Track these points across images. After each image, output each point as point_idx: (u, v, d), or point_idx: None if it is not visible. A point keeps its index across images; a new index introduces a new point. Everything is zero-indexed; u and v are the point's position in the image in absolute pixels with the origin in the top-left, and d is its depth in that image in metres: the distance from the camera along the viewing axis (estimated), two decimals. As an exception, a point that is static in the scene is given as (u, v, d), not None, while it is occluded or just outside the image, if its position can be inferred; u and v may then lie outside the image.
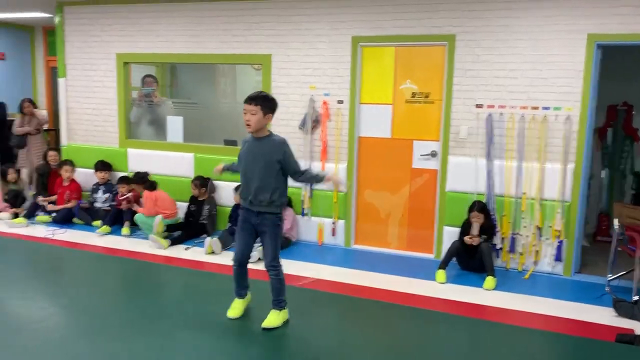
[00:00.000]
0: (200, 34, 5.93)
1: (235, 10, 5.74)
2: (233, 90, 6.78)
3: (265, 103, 3.39)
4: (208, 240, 5.28)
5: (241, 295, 3.74)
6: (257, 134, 3.47)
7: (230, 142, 6.07)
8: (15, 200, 6.56)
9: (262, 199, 3.43)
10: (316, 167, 5.59)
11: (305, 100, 5.57)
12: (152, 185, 5.92)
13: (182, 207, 6.01)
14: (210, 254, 5.24)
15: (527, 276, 4.85)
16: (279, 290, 3.58)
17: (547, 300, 4.31)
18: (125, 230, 5.87)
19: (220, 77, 6.79)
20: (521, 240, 4.97)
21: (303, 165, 3.63)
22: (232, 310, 3.69)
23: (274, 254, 3.51)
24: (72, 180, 6.48)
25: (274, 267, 3.52)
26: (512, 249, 4.99)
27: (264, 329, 3.50)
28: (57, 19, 6.60)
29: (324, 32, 5.43)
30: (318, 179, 3.57)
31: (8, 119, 7.87)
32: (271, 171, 3.41)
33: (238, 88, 6.70)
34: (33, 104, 7.36)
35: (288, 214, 5.53)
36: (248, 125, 3.39)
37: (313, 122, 5.55)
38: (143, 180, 5.96)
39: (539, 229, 4.90)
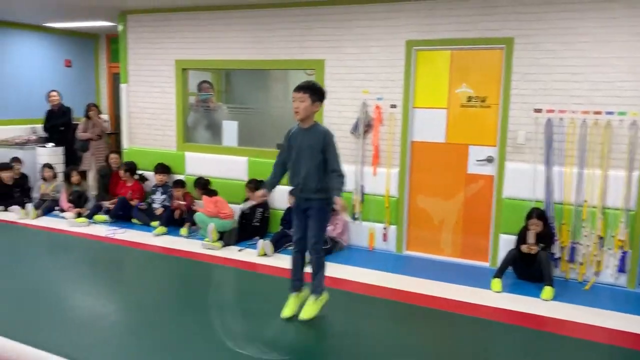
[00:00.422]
0: (256, 41, 6.05)
1: (290, 17, 5.82)
2: (285, 95, 6.86)
3: (314, 91, 3.51)
4: (260, 242, 5.35)
5: (295, 288, 3.77)
6: (303, 124, 3.58)
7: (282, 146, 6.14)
8: (78, 200, 6.87)
9: (311, 186, 3.53)
10: (367, 172, 5.58)
11: (357, 104, 5.58)
12: (212, 192, 6.12)
13: (236, 209, 6.11)
14: (262, 255, 5.31)
15: (587, 287, 4.67)
16: (318, 274, 3.65)
17: (609, 313, 4.13)
18: (183, 230, 6.04)
19: (273, 82, 6.90)
20: (581, 250, 4.79)
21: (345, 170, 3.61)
22: (286, 309, 3.72)
23: (317, 236, 3.58)
24: (136, 181, 6.73)
25: (316, 250, 3.61)
26: (571, 259, 4.81)
27: (302, 320, 3.59)
28: (120, 27, 6.88)
29: (377, 37, 5.42)
30: (336, 191, 3.46)
31: (73, 123, 8.25)
32: (317, 160, 3.51)
33: (290, 93, 6.76)
34: (98, 109, 7.71)
35: (339, 218, 5.54)
36: (297, 112, 3.51)
37: (365, 126, 5.55)
38: (204, 187, 6.20)
39: (601, 238, 4.70)
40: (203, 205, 5.95)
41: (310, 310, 3.63)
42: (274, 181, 3.78)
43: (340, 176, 3.50)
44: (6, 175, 7.14)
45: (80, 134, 7.64)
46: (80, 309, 3.92)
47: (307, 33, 5.77)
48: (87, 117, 7.59)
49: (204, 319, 3.76)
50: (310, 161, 3.52)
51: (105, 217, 6.51)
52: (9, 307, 3.87)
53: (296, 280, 3.78)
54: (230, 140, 6.53)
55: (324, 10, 5.64)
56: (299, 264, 3.76)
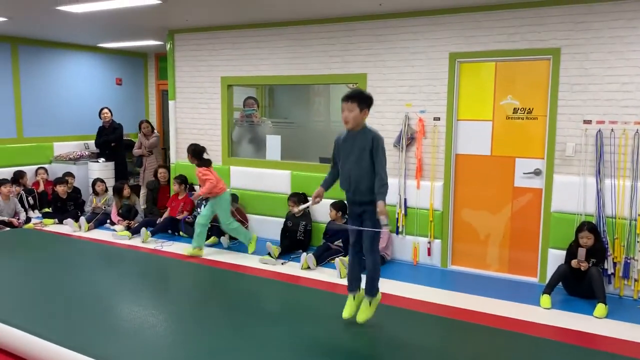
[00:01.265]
0: (299, 56, 6.14)
1: (332, 32, 5.89)
2: (327, 109, 6.93)
3: (362, 100, 3.48)
4: (304, 255, 5.38)
5: (352, 290, 3.76)
6: (353, 129, 3.55)
7: (325, 160, 6.19)
8: (128, 214, 7.09)
9: (363, 188, 3.50)
10: (411, 185, 5.55)
11: (400, 117, 5.57)
12: (206, 162, 5.87)
13: (280, 223, 6.18)
14: (305, 269, 5.33)
15: (643, 305, 4.48)
16: (374, 277, 3.65)
17: (667, 332, 3.94)
18: (224, 240, 6.23)
19: (315, 97, 6.97)
20: (636, 266, 4.60)
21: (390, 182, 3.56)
22: (346, 310, 3.74)
23: (373, 238, 3.57)
24: (186, 195, 6.91)
25: (373, 252, 3.60)
26: (625, 275, 4.63)
27: (359, 323, 3.64)
28: (168, 46, 7.12)
29: (420, 50, 5.42)
30: (379, 195, 3.43)
31: (125, 139, 8.57)
32: (367, 162, 3.48)
33: (332, 107, 6.83)
34: (150, 125, 8.00)
35: (384, 232, 5.50)
36: (346, 122, 3.50)
37: (408, 139, 5.53)
38: (195, 155, 5.85)
39: (658, 254, 4.51)
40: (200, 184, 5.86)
41: (365, 313, 3.66)
42: (330, 181, 3.75)
43: (384, 184, 3.46)
44: (61, 189, 7.45)
45: (134, 150, 7.96)
46: (129, 318, 4.03)
47: (348, 47, 5.81)
48: (141, 132, 7.93)
49: (247, 330, 3.80)
50: (361, 164, 3.49)
51: (127, 232, 6.59)
52: (60, 315, 4.02)
53: (354, 281, 3.77)
54: (273, 154, 6.63)
55: (365, 25, 5.68)
56: (356, 265, 3.76)
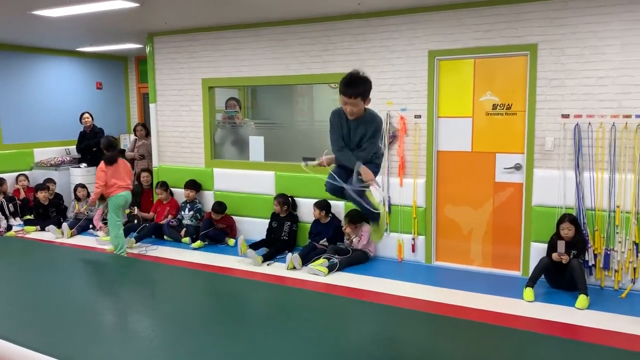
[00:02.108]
0: (280, 57, 6.14)
1: (312, 32, 5.89)
2: (310, 109, 6.94)
3: (365, 92, 3.13)
4: (289, 256, 5.39)
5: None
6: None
7: (309, 159, 6.18)
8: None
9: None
10: (394, 183, 5.58)
11: (382, 116, 5.56)
12: (110, 160, 5.66)
13: (265, 224, 6.18)
14: (291, 269, 5.34)
15: (624, 295, 4.55)
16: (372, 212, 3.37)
17: (648, 321, 4.02)
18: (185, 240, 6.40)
19: (298, 97, 6.97)
20: (616, 257, 4.68)
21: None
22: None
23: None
24: (172, 199, 6.87)
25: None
26: (606, 266, 4.70)
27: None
28: (147, 49, 7.07)
29: (400, 48, 5.45)
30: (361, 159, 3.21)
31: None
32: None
33: (315, 107, 6.84)
34: (145, 129, 7.89)
35: (365, 229, 5.54)
36: (351, 115, 3.14)
37: (390, 137, 5.56)
38: (106, 148, 5.70)
39: (636, 244, 4.59)
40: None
41: (376, 235, 3.50)
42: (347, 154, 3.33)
43: (370, 154, 3.21)
44: (42, 196, 7.37)
45: (127, 153, 7.92)
46: (115, 323, 4.00)
47: (328, 47, 5.83)
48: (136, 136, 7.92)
49: (234, 332, 3.80)
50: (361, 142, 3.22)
51: (109, 237, 6.50)
52: (42, 322, 3.98)
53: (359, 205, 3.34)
54: (257, 155, 6.62)
55: (344, 24, 5.69)
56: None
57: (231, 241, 6.38)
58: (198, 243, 6.27)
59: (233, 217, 6.56)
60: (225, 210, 6.50)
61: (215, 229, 6.40)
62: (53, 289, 4.80)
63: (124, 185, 5.75)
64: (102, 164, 5.67)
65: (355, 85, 3.04)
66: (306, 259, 5.45)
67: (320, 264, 5.25)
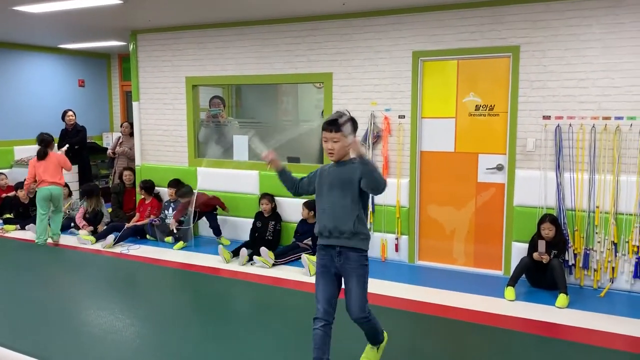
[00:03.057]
0: (265, 56, 6.13)
1: (297, 32, 5.89)
2: (295, 108, 6.93)
3: (346, 128, 2.82)
4: (263, 250, 5.41)
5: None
6: (339, 160, 2.97)
7: (294, 160, 6.20)
8: (95, 218, 6.94)
9: (345, 230, 2.87)
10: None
11: (366, 116, 5.61)
12: (40, 154, 6.26)
13: (248, 223, 6.16)
14: (271, 267, 5.34)
15: (602, 294, 4.62)
16: (375, 332, 3.12)
17: (626, 320, 4.09)
18: (168, 239, 6.39)
19: (283, 96, 6.96)
20: (595, 256, 4.75)
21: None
22: None
23: (362, 302, 2.89)
24: (153, 198, 6.81)
25: (365, 318, 2.94)
26: (585, 266, 4.78)
27: None
28: (131, 47, 7.01)
29: (384, 49, 5.47)
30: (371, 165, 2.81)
31: (88, 141, 8.40)
32: (352, 194, 2.88)
33: (300, 106, 6.84)
34: (132, 127, 7.78)
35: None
36: (331, 154, 2.91)
37: (374, 137, 5.58)
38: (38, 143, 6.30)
39: (615, 244, 4.67)
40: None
41: (372, 357, 3.22)
42: (290, 179, 3.15)
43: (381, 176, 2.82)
44: (22, 194, 7.27)
45: (108, 151, 7.85)
46: (95, 323, 3.96)
47: (313, 47, 5.83)
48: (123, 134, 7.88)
49: (216, 331, 3.79)
50: (344, 197, 2.87)
51: (91, 237, 6.46)
52: (24, 322, 3.93)
53: (322, 356, 2.91)
54: (241, 154, 6.59)
55: (329, 24, 5.70)
56: (324, 341, 2.90)
57: (225, 240, 6.33)
58: (180, 244, 6.20)
59: (215, 196, 6.44)
60: (189, 192, 6.24)
61: (201, 212, 6.29)
62: (33, 288, 4.75)
63: (50, 181, 6.17)
64: (33, 158, 6.27)
65: (337, 123, 2.84)
66: (283, 257, 5.46)
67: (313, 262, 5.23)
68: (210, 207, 6.33)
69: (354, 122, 2.85)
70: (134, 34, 6.92)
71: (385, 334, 3.24)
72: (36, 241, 6.24)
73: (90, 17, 5.95)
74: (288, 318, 3.94)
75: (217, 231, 6.33)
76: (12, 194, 7.60)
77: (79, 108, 8.60)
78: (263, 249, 5.41)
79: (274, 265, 5.39)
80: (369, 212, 2.91)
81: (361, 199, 2.91)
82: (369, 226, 5.67)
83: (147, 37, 6.87)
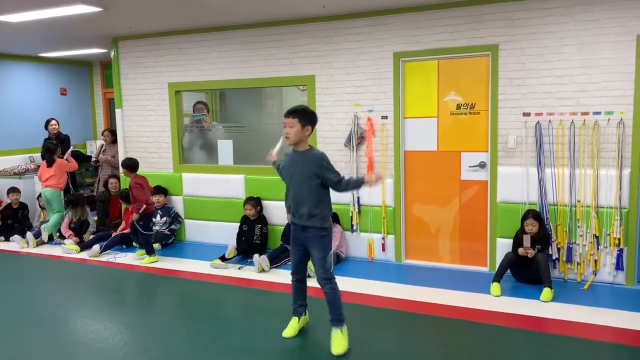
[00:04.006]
0: (247, 60, 6.14)
1: (279, 35, 5.91)
2: (280, 112, 6.94)
3: (303, 116, 3.49)
4: (256, 257, 5.37)
5: (297, 313, 3.78)
6: (297, 147, 3.55)
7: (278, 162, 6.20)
8: (80, 227, 6.89)
9: (303, 212, 3.50)
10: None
11: (349, 117, 5.65)
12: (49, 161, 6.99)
13: (234, 227, 6.16)
14: (261, 271, 5.34)
15: (586, 287, 4.69)
16: (336, 305, 3.54)
17: (609, 311, 4.16)
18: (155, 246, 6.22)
19: (267, 100, 6.98)
20: (578, 250, 4.83)
21: (343, 175, 3.59)
22: (288, 329, 3.74)
23: (322, 266, 3.50)
24: (133, 206, 6.75)
25: (326, 280, 3.50)
26: (568, 259, 4.85)
27: (338, 356, 3.44)
28: (112, 54, 6.98)
29: (365, 50, 5.51)
30: (358, 183, 3.53)
31: (72, 150, 8.32)
32: (309, 184, 3.47)
33: (285, 109, 6.84)
34: (113, 135, 7.72)
35: (336, 230, 5.59)
36: (287, 137, 3.49)
37: (358, 138, 5.61)
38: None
39: (597, 237, 4.74)
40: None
41: (340, 344, 3.50)
42: (279, 170, 3.84)
43: (341, 180, 3.48)
44: (14, 198, 7.34)
45: (92, 160, 7.80)
46: (82, 331, 3.94)
47: (295, 50, 5.85)
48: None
49: (206, 337, 3.79)
50: (304, 185, 3.48)
51: (76, 247, 6.42)
52: (10, 333, 3.90)
53: (299, 307, 3.78)
54: (225, 159, 6.59)
55: (310, 26, 5.73)
56: (299, 290, 3.74)
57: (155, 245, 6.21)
58: (151, 258, 5.89)
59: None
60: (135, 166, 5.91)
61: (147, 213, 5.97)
62: (18, 298, 4.71)
63: (45, 183, 6.97)
64: (43, 163, 7.16)
65: (293, 110, 3.51)
66: (275, 261, 5.47)
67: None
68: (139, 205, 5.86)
69: (310, 114, 3.53)
70: (115, 41, 6.89)
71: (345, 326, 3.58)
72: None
73: (71, 25, 5.92)
74: (278, 321, 3.95)
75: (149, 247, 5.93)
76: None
77: (61, 116, 8.54)
78: (263, 257, 5.38)
79: (264, 270, 5.38)
80: (329, 197, 3.62)
81: (318, 187, 3.48)
82: (355, 227, 5.70)
83: (128, 44, 6.84)
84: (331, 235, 3.60)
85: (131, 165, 5.87)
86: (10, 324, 4.13)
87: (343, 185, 3.50)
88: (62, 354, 3.57)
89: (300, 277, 3.72)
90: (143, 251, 5.97)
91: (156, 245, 6.35)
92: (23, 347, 3.68)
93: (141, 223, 5.81)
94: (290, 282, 3.78)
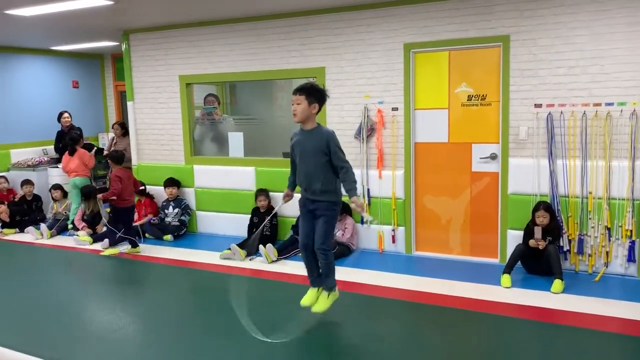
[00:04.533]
0: (257, 52, 6.15)
1: (290, 27, 5.91)
2: (289, 104, 6.94)
3: (310, 93, 3.47)
4: (262, 248, 5.44)
5: (315, 284, 3.78)
6: (304, 126, 3.56)
7: (289, 155, 6.21)
8: (93, 219, 6.96)
9: (315, 188, 3.53)
10: (373, 175, 5.64)
11: (360, 109, 5.65)
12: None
13: (245, 219, 6.21)
14: (271, 262, 5.38)
15: (597, 278, 4.68)
16: (328, 274, 3.67)
17: (621, 303, 4.15)
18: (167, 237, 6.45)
19: (278, 92, 6.99)
20: (589, 242, 4.81)
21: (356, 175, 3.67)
22: (306, 298, 3.77)
23: (324, 237, 3.55)
24: (147, 198, 6.84)
25: (323, 250, 3.57)
26: (580, 251, 4.83)
27: (315, 312, 3.65)
28: (123, 47, 7.02)
29: (376, 42, 5.50)
30: (351, 190, 3.51)
31: (85, 143, 8.41)
32: (320, 161, 3.50)
33: (294, 101, 6.85)
34: (121, 128, 7.84)
35: (348, 222, 5.61)
36: (294, 114, 3.50)
37: (368, 130, 5.62)
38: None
39: (608, 229, 4.72)
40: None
41: (322, 304, 3.68)
42: (293, 180, 3.83)
43: (348, 170, 3.48)
44: (27, 190, 7.52)
45: (105, 152, 7.88)
46: (97, 322, 4.01)
47: (306, 42, 5.85)
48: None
49: (216, 327, 3.83)
50: (314, 163, 3.51)
51: (89, 238, 6.49)
52: (26, 323, 3.97)
53: (316, 277, 3.79)
54: (236, 151, 6.62)
55: (321, 18, 5.72)
56: (312, 264, 3.75)
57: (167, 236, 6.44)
58: (111, 250, 5.96)
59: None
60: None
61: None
62: (34, 289, 4.79)
63: (74, 172, 7.20)
64: (65, 153, 7.34)
65: (300, 87, 3.50)
66: (284, 252, 5.51)
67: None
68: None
69: (318, 91, 3.51)
70: (126, 34, 6.93)
71: (337, 291, 3.74)
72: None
73: (82, 18, 5.96)
74: (288, 311, 3.99)
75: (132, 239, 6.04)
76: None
77: (73, 109, 8.61)
78: (269, 246, 5.44)
79: (274, 261, 5.42)
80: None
81: (328, 163, 3.51)
82: (366, 219, 5.70)
83: (139, 37, 6.88)
84: (339, 212, 3.69)
85: (116, 157, 6.06)
86: (26, 314, 4.21)
87: (344, 177, 3.50)
88: (76, 344, 3.64)
89: (308, 249, 3.72)
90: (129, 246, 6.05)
91: (168, 237, 6.43)
92: (38, 338, 3.75)
93: (112, 215, 6.07)
94: (302, 259, 3.80)
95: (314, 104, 3.49)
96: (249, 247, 5.66)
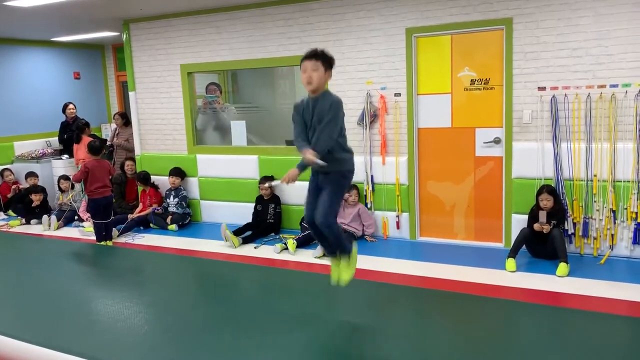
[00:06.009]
0: (258, 39, 6.11)
1: (290, 13, 5.87)
2: (292, 91, 6.93)
3: (325, 59, 3.21)
4: (227, 233, 5.57)
5: (332, 253, 3.44)
6: (314, 93, 3.22)
7: (292, 143, 6.21)
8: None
9: (327, 158, 3.13)
10: (376, 161, 5.63)
11: (362, 95, 5.62)
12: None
13: (249, 208, 6.22)
14: (281, 252, 5.39)
15: (602, 261, 4.68)
16: (339, 243, 3.34)
17: (626, 285, 4.15)
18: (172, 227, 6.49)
19: (279, 80, 6.96)
20: (594, 224, 4.80)
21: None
22: (332, 275, 3.49)
23: (326, 211, 3.19)
24: (152, 188, 6.86)
25: (327, 225, 3.21)
26: (585, 234, 4.82)
27: (345, 283, 3.38)
28: (124, 37, 6.99)
29: (377, 27, 5.45)
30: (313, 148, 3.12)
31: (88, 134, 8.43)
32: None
33: (298, 89, 6.83)
34: (122, 118, 7.86)
35: (363, 209, 5.62)
36: (309, 82, 3.15)
37: (371, 116, 5.59)
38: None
39: (613, 211, 4.71)
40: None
41: (346, 273, 3.40)
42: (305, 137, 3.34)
43: (330, 138, 3.09)
44: (33, 181, 7.47)
45: (107, 142, 7.89)
46: (103, 311, 4.03)
47: (306, 29, 5.81)
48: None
49: (225, 316, 3.85)
50: (319, 130, 3.15)
51: (92, 229, 6.46)
52: (34, 314, 4.00)
53: (328, 247, 3.45)
54: (239, 139, 6.62)
55: (321, 4, 5.68)
56: (318, 235, 3.40)
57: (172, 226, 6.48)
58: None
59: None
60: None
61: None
62: (40, 280, 4.81)
63: (81, 161, 7.02)
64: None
65: (317, 52, 3.19)
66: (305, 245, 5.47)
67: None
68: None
69: (331, 58, 3.23)
70: (127, 24, 6.89)
71: (355, 247, 3.41)
72: None
73: (82, 8, 5.93)
74: (297, 300, 3.99)
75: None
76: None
77: (76, 100, 8.60)
78: (290, 242, 5.38)
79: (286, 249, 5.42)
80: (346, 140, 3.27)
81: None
82: (370, 205, 5.72)
83: (140, 26, 6.84)
84: (349, 184, 3.37)
85: (93, 147, 5.91)
86: (32, 305, 4.23)
87: (327, 141, 3.10)
88: (84, 334, 3.66)
89: (314, 224, 3.36)
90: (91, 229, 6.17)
91: (173, 227, 6.45)
92: (45, 328, 3.77)
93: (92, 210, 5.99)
94: (312, 234, 3.48)
95: (328, 71, 3.21)
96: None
